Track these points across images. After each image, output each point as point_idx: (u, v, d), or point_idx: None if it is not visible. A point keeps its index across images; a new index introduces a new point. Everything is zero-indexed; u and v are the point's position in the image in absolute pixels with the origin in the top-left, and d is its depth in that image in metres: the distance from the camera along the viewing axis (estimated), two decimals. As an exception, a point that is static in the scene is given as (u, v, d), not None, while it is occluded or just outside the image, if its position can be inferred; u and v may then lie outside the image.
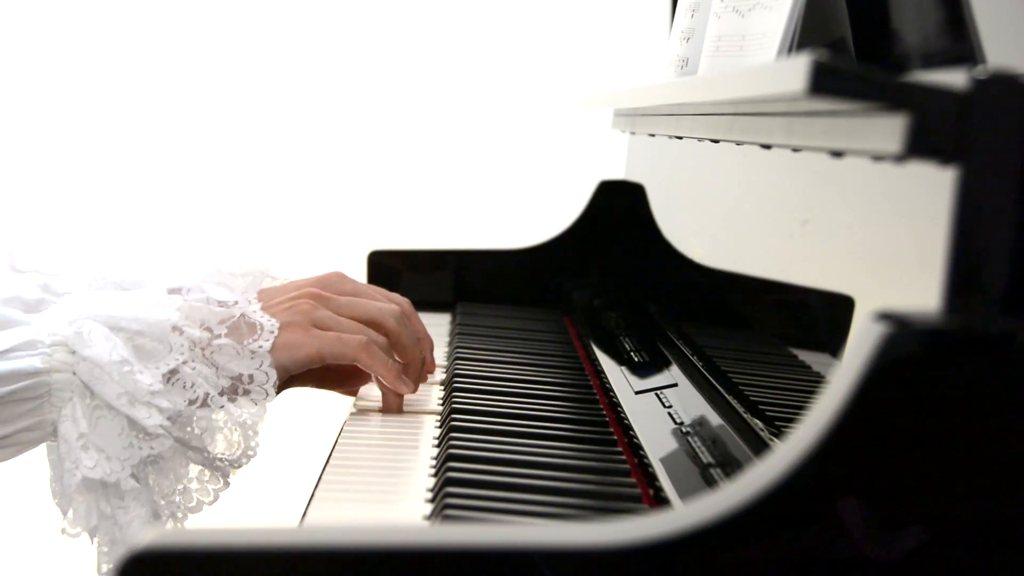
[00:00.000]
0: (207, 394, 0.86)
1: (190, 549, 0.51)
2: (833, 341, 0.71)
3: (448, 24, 2.24)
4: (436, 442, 0.90)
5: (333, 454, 0.88)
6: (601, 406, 1.00)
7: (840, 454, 0.51)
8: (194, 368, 0.86)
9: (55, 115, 2.24)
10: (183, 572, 0.51)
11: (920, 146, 0.53)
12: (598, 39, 2.20)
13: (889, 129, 0.55)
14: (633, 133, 1.45)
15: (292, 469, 1.78)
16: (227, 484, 0.91)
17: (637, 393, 1.00)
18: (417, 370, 0.98)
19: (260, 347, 0.89)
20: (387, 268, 1.46)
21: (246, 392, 0.89)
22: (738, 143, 0.90)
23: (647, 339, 1.17)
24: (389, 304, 0.97)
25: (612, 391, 1.02)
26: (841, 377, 0.51)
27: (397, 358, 0.97)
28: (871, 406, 0.51)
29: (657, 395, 0.98)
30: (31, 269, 0.99)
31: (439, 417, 0.97)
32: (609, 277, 1.45)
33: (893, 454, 0.52)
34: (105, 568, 0.86)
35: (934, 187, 0.55)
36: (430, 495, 0.79)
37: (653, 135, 1.28)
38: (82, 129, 2.25)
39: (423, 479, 0.82)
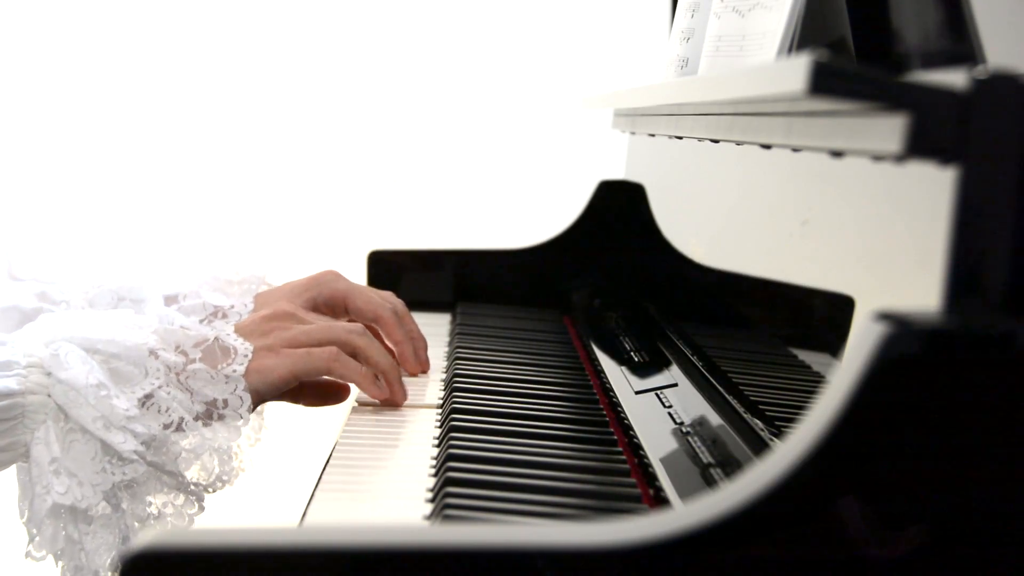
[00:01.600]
0: (182, 419, 0.86)
1: (190, 549, 0.51)
2: (833, 341, 0.71)
3: (448, 24, 2.24)
4: (436, 442, 0.90)
5: (333, 454, 0.88)
6: (601, 406, 1.00)
7: (840, 454, 0.51)
8: (169, 393, 0.86)
9: (52, 122, 2.24)
10: (183, 572, 0.52)
11: (920, 146, 0.53)
12: (598, 39, 2.20)
13: (889, 129, 0.55)
14: (633, 133, 1.45)
15: (292, 469, 1.78)
16: (202, 509, 0.90)
17: (637, 393, 1.00)
18: (395, 378, 0.98)
19: (234, 371, 0.89)
20: (387, 268, 1.46)
21: (220, 417, 0.88)
22: (738, 143, 0.90)
23: (647, 339, 1.17)
24: (351, 325, 0.96)
25: (612, 391, 1.02)
26: (841, 377, 0.51)
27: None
28: (871, 406, 0.51)
29: (657, 395, 0.98)
30: (29, 277, 0.99)
31: (439, 417, 0.97)
32: (609, 277, 1.45)
33: (893, 454, 0.52)
34: None
35: (934, 187, 0.55)
36: (430, 495, 0.79)
37: (653, 135, 1.28)
38: (78, 137, 2.25)
39: (423, 479, 0.82)
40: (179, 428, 0.86)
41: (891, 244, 0.62)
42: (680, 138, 1.11)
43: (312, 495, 0.79)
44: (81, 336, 0.86)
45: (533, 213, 2.11)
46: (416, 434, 0.93)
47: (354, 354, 0.95)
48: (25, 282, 0.98)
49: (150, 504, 0.87)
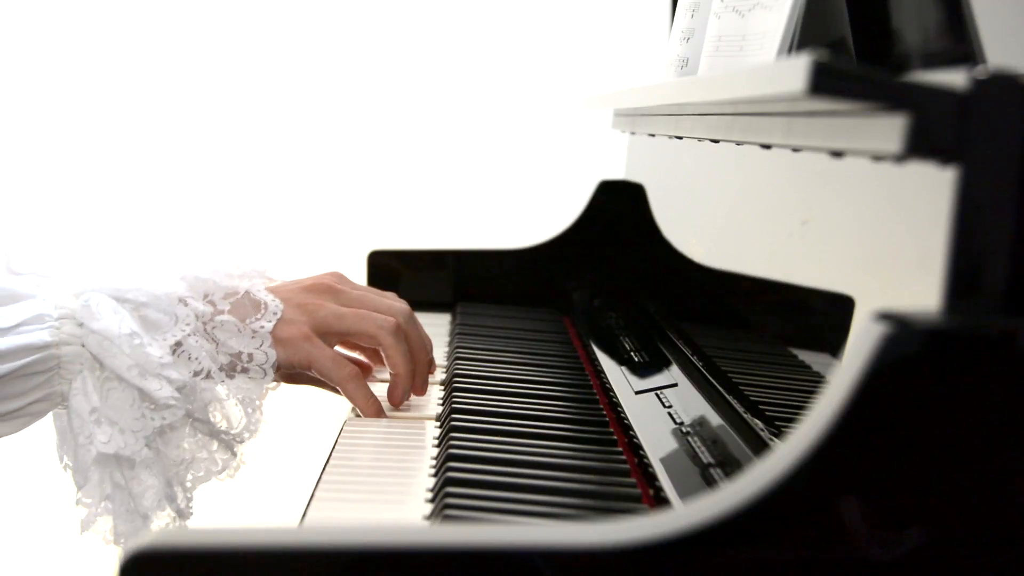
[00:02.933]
0: (208, 369, 0.87)
1: (190, 549, 0.51)
2: (833, 341, 0.71)
3: (448, 24, 2.24)
4: (436, 442, 0.90)
5: (333, 454, 0.88)
6: (601, 406, 1.00)
7: (840, 454, 0.51)
8: (197, 342, 0.87)
9: (52, 116, 2.24)
10: (183, 572, 0.52)
11: (920, 146, 0.53)
12: (598, 39, 2.20)
13: (889, 129, 0.55)
14: (633, 133, 1.45)
15: (292, 469, 1.78)
16: (234, 455, 0.91)
17: (637, 393, 1.00)
18: (403, 386, 0.97)
19: (262, 327, 0.89)
20: (387, 268, 1.46)
21: (244, 370, 0.89)
22: (738, 143, 0.90)
23: (647, 339, 1.17)
24: (391, 318, 0.96)
25: (612, 391, 1.02)
26: (841, 377, 0.51)
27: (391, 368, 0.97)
28: (871, 406, 0.51)
29: (657, 395, 0.98)
30: (28, 271, 0.99)
31: (439, 417, 0.97)
32: (609, 277, 1.45)
33: (893, 454, 0.52)
34: (117, 541, 0.87)
35: (934, 187, 0.55)
36: (430, 495, 0.79)
37: (653, 135, 1.28)
38: (78, 132, 2.25)
39: (423, 479, 0.82)
40: (208, 376, 0.87)
41: (891, 244, 0.62)
42: (680, 138, 1.11)
43: (312, 495, 0.79)
44: (111, 286, 0.86)
45: (533, 213, 2.11)
46: (416, 434, 0.93)
47: (382, 348, 0.95)
48: (24, 276, 0.98)
49: (184, 450, 0.87)
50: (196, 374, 0.86)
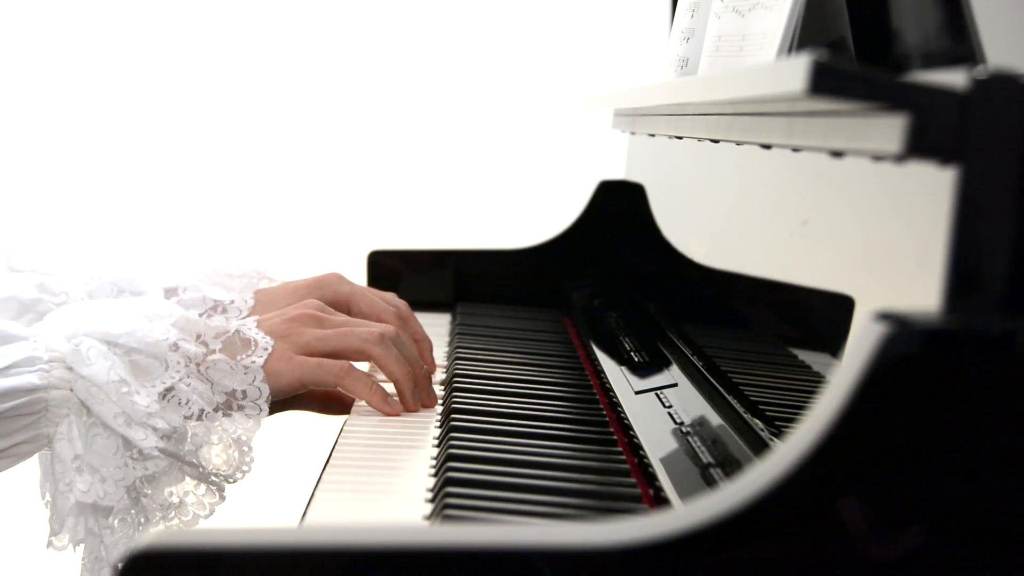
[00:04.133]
0: (202, 410, 0.87)
1: (190, 549, 0.51)
2: (833, 341, 0.71)
3: (448, 24, 2.24)
4: (436, 442, 0.90)
5: (333, 454, 0.88)
6: (601, 406, 1.00)
7: (840, 454, 0.51)
8: (189, 384, 0.87)
9: (52, 115, 2.24)
10: (183, 572, 0.52)
11: (920, 146, 0.53)
12: (598, 39, 2.20)
13: (889, 129, 0.55)
14: (633, 133, 1.45)
15: (292, 469, 1.78)
16: (223, 498, 0.91)
17: (637, 393, 1.00)
18: (407, 388, 0.96)
19: (253, 363, 0.89)
20: (387, 268, 1.46)
21: (240, 407, 0.89)
22: (738, 143, 0.90)
23: (647, 339, 1.17)
24: (375, 328, 0.96)
25: (612, 391, 1.02)
26: (841, 377, 0.51)
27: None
28: (871, 406, 0.51)
29: (657, 395, 0.98)
30: (28, 268, 0.99)
31: (439, 417, 0.97)
32: (609, 277, 1.45)
33: (893, 454, 0.52)
34: None
35: (934, 187, 0.55)
36: (430, 495, 0.79)
37: (653, 135, 1.28)
38: (78, 130, 2.25)
39: (423, 479, 0.82)
40: (200, 418, 0.87)
41: (891, 244, 0.62)
42: (680, 138, 1.11)
43: (312, 495, 0.79)
44: (102, 331, 0.86)
45: (533, 213, 2.11)
46: (416, 434, 0.93)
47: (373, 360, 0.95)
48: (24, 273, 0.98)
49: (171, 494, 0.88)
50: (187, 418, 0.86)
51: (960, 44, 0.82)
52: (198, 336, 0.89)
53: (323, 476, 0.83)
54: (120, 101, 2.25)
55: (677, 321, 1.17)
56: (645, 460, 0.83)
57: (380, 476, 0.84)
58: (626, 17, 2.18)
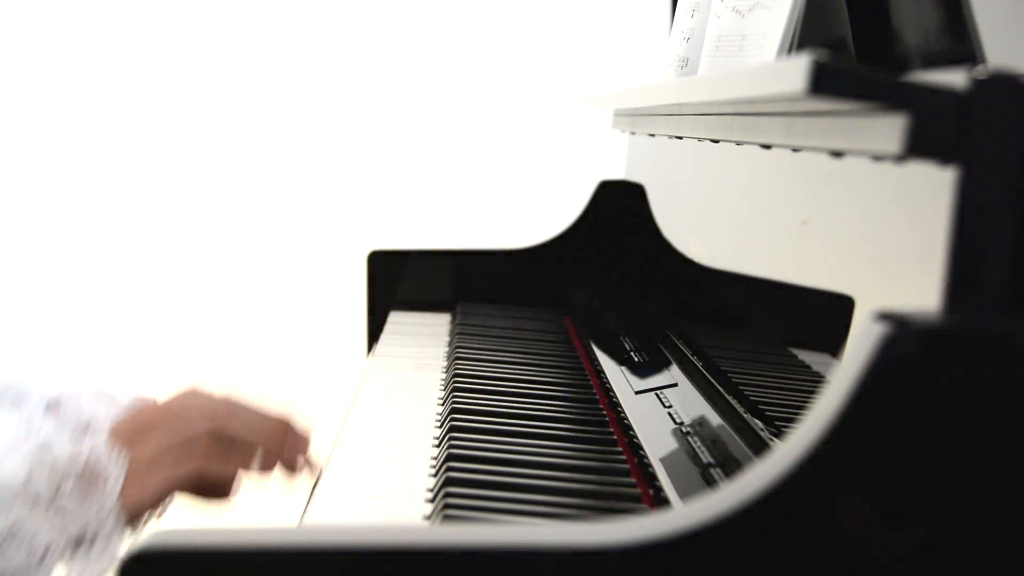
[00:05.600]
0: (47, 548, 0.81)
1: (190, 549, 0.51)
2: (833, 341, 0.71)
3: (448, 24, 2.24)
4: (436, 442, 0.90)
5: (333, 454, 0.88)
6: (601, 406, 1.00)
7: (840, 454, 0.51)
8: (35, 523, 0.83)
9: (55, 115, 2.24)
10: (183, 572, 0.52)
11: (920, 146, 0.53)
12: (598, 39, 2.20)
13: (889, 129, 0.55)
14: (633, 133, 1.45)
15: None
16: None
17: (637, 393, 1.00)
18: (276, 447, 0.85)
19: (106, 498, 0.83)
20: (387, 268, 1.46)
21: (92, 542, 0.84)
22: (738, 143, 0.90)
23: (647, 339, 1.17)
24: (193, 437, 0.86)
25: (612, 391, 1.02)
26: (841, 377, 0.51)
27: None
28: (871, 406, 0.51)
29: (657, 395, 0.98)
30: None
31: (439, 417, 0.97)
32: (609, 277, 1.45)
33: (893, 454, 0.52)
34: None
35: (934, 187, 0.55)
36: (430, 495, 0.79)
37: (653, 135, 1.28)
38: (81, 130, 2.25)
39: (423, 479, 0.82)
40: (43, 559, 0.81)
41: (891, 244, 0.62)
42: (680, 138, 1.10)
43: (312, 495, 0.79)
44: None
45: (533, 213, 2.11)
46: (416, 434, 0.93)
47: (231, 439, 0.85)
48: None
49: None
50: (30, 556, 0.80)
51: (960, 44, 0.82)
52: (51, 471, 0.82)
53: (323, 476, 0.83)
54: (121, 103, 2.25)
55: (677, 321, 1.17)
56: (645, 460, 0.83)
57: (380, 476, 0.84)
58: (626, 17, 2.18)
